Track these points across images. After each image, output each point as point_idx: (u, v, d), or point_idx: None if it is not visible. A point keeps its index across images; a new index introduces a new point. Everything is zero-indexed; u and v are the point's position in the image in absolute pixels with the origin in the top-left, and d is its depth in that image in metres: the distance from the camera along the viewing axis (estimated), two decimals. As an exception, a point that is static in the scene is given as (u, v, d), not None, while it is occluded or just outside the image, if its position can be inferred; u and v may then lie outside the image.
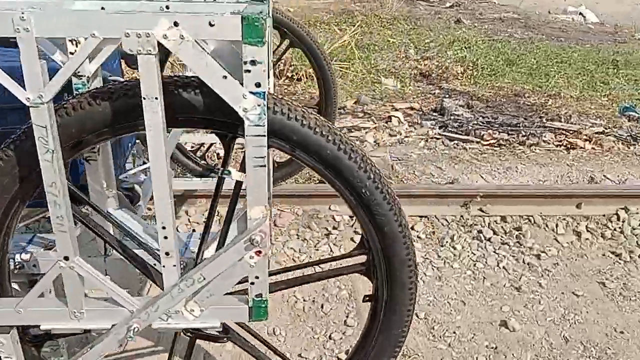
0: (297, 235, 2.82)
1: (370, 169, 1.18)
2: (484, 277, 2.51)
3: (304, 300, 2.37)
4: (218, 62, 0.95)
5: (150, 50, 0.92)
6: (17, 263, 1.18)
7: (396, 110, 4.66)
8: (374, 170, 1.18)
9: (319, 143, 1.12)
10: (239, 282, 1.16)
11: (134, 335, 1.12)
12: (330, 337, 2.20)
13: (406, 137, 4.15)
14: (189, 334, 1.23)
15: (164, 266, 1.11)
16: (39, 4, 0.88)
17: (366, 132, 4.19)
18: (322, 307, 2.34)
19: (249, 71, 0.95)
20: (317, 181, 3.25)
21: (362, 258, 1.30)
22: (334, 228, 2.85)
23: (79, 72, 1.14)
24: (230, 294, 1.19)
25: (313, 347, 2.16)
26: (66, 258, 1.08)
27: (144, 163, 1.71)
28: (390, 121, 4.43)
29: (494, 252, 2.66)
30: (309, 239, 2.82)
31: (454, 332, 2.23)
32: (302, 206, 3.11)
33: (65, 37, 1.09)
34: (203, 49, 0.93)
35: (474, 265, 2.58)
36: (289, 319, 2.28)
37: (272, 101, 1.09)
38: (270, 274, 1.30)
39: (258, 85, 0.97)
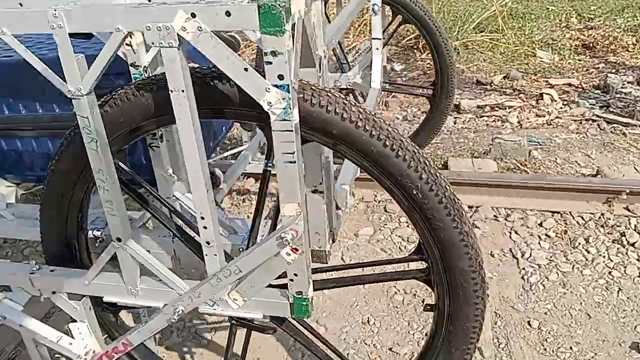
0: (407, 223, 2.70)
1: (424, 168, 1.05)
2: (619, 289, 2.14)
3: (405, 293, 2.26)
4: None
5: (171, 43, 0.90)
6: (93, 238, 1.28)
7: (550, 86, 4.16)
8: (427, 169, 1.05)
9: (361, 138, 1.03)
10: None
11: (177, 318, 1.16)
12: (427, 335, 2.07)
13: (557, 118, 3.69)
14: (234, 321, 1.24)
15: (205, 255, 1.12)
16: (70, 1, 0.92)
17: (510, 112, 3.83)
18: (422, 301, 2.21)
19: (270, 63, 0.89)
20: (441, 166, 3.07)
21: (422, 264, 1.18)
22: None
23: (135, 62, 1.19)
24: (277, 287, 1.17)
25: (407, 342, 2.06)
26: (118, 239, 1.15)
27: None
28: (542, 99, 3.98)
29: (637, 259, 2.25)
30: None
31: (571, 348, 1.94)
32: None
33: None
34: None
35: (609, 273, 2.22)
36: (386, 309, 2.20)
37: (309, 92, 1.01)
38: (323, 271, 1.25)
39: (281, 77, 0.90)
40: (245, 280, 1.13)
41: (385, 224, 2.64)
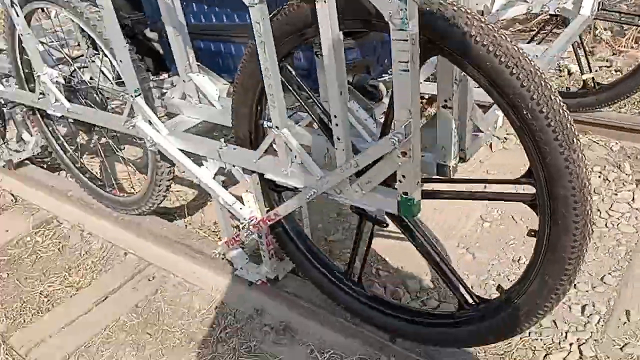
0: (599, 174, 2.51)
1: (537, 88, 1.06)
2: None
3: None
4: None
5: None
6: (265, 127, 1.57)
7: None
8: (540, 90, 1.06)
9: (478, 53, 1.08)
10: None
11: (309, 199, 1.41)
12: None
13: None
14: (354, 210, 1.43)
15: (336, 149, 1.33)
16: None
17: None
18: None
19: None
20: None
21: (530, 188, 1.20)
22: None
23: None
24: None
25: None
26: (277, 127, 1.43)
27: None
28: None
29: None
30: (613, 180, 2.47)
31: None
32: (620, 141, 2.69)
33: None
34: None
35: None
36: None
37: (450, 11, 1.09)
38: (433, 181, 1.36)
39: None
40: (364, 175, 1.32)
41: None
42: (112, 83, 2.17)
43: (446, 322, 1.51)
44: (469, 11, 1.10)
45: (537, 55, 1.95)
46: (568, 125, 1.07)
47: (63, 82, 2.18)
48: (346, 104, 1.28)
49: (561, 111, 1.07)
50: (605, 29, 3.78)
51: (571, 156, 1.07)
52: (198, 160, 1.84)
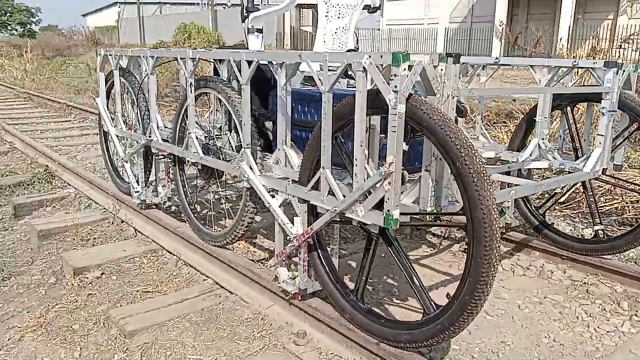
0: (599, 306, 2.97)
1: (466, 151, 1.84)
2: None
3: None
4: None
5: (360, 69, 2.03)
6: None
7: None
8: (467, 152, 1.83)
9: (436, 130, 1.91)
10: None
11: (333, 216, 2.20)
12: None
13: None
14: (359, 225, 2.18)
15: (355, 182, 2.15)
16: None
17: None
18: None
19: (392, 79, 1.91)
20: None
21: (463, 219, 1.91)
22: None
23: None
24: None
25: None
26: (323, 167, 2.29)
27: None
28: None
29: None
30: (609, 311, 2.94)
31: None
32: (624, 285, 3.15)
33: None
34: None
35: None
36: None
37: (418, 102, 1.96)
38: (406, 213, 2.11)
39: (395, 90, 1.91)
40: (366, 199, 2.10)
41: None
42: (233, 150, 3.22)
43: (415, 325, 2.12)
44: (436, 108, 1.95)
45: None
46: (482, 174, 1.82)
47: (203, 140, 3.27)
48: (364, 153, 2.12)
49: (479, 165, 1.82)
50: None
51: (482, 192, 1.80)
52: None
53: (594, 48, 9.55)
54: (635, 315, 2.88)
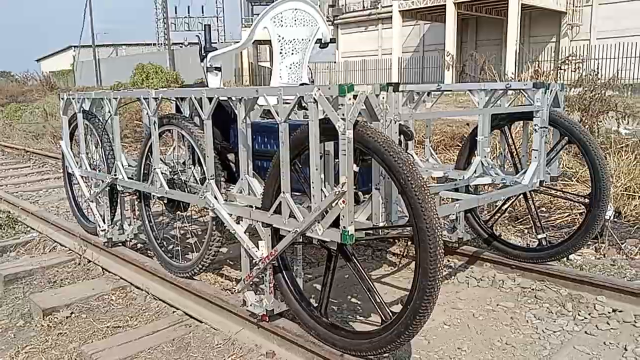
0: (547, 308, 3.21)
1: (408, 170, 2.05)
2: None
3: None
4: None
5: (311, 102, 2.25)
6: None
7: None
8: (410, 170, 2.05)
9: (382, 151, 2.12)
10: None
11: (294, 238, 2.37)
12: None
13: None
14: (319, 243, 2.36)
15: (313, 203, 2.33)
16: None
17: None
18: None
19: (339, 108, 2.13)
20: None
21: (410, 230, 2.11)
22: None
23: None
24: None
25: None
26: (283, 192, 2.47)
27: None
28: None
29: None
30: (555, 312, 3.17)
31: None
32: (567, 288, 3.38)
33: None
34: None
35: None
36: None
37: (363, 128, 2.17)
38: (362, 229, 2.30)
39: (343, 118, 2.12)
40: (324, 218, 2.28)
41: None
42: (197, 182, 3.37)
43: (374, 334, 2.29)
44: (380, 132, 2.17)
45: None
46: (423, 188, 2.03)
47: (168, 175, 3.41)
48: (319, 177, 2.32)
49: (419, 180, 2.04)
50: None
51: (424, 205, 2.01)
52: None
53: (536, 71, 10.18)
54: (578, 314, 3.12)
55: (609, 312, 3.11)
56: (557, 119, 3.38)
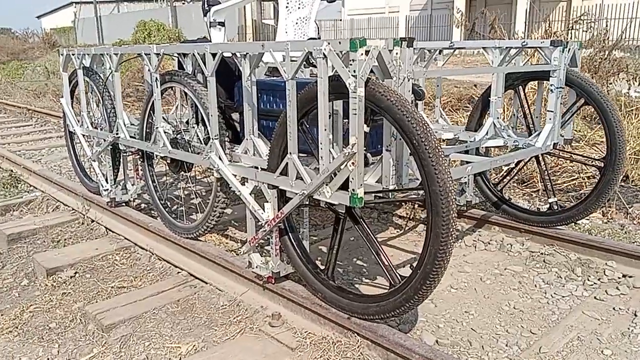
0: (556, 273, 3.16)
1: (421, 130, 1.96)
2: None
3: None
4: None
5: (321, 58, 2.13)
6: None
7: None
8: (423, 130, 1.95)
9: (394, 110, 2.02)
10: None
11: (301, 200, 2.30)
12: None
13: None
14: (327, 206, 2.29)
15: (321, 164, 2.25)
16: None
17: None
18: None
19: (350, 63, 2.01)
20: None
21: (423, 194, 2.03)
22: None
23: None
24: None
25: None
26: (291, 153, 2.38)
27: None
28: None
29: None
30: (564, 277, 3.12)
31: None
32: (577, 253, 3.34)
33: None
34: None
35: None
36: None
37: (376, 85, 2.07)
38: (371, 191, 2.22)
39: (354, 75, 2.01)
40: (332, 181, 2.20)
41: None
42: (201, 142, 3.28)
43: (382, 297, 2.24)
44: (392, 90, 2.06)
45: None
46: (437, 150, 1.94)
47: (170, 135, 3.32)
48: (329, 141, 2.22)
49: (433, 141, 1.95)
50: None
51: (438, 167, 1.92)
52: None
53: (546, 31, 9.87)
54: (588, 279, 3.08)
55: (619, 278, 3.07)
56: (574, 79, 3.24)
